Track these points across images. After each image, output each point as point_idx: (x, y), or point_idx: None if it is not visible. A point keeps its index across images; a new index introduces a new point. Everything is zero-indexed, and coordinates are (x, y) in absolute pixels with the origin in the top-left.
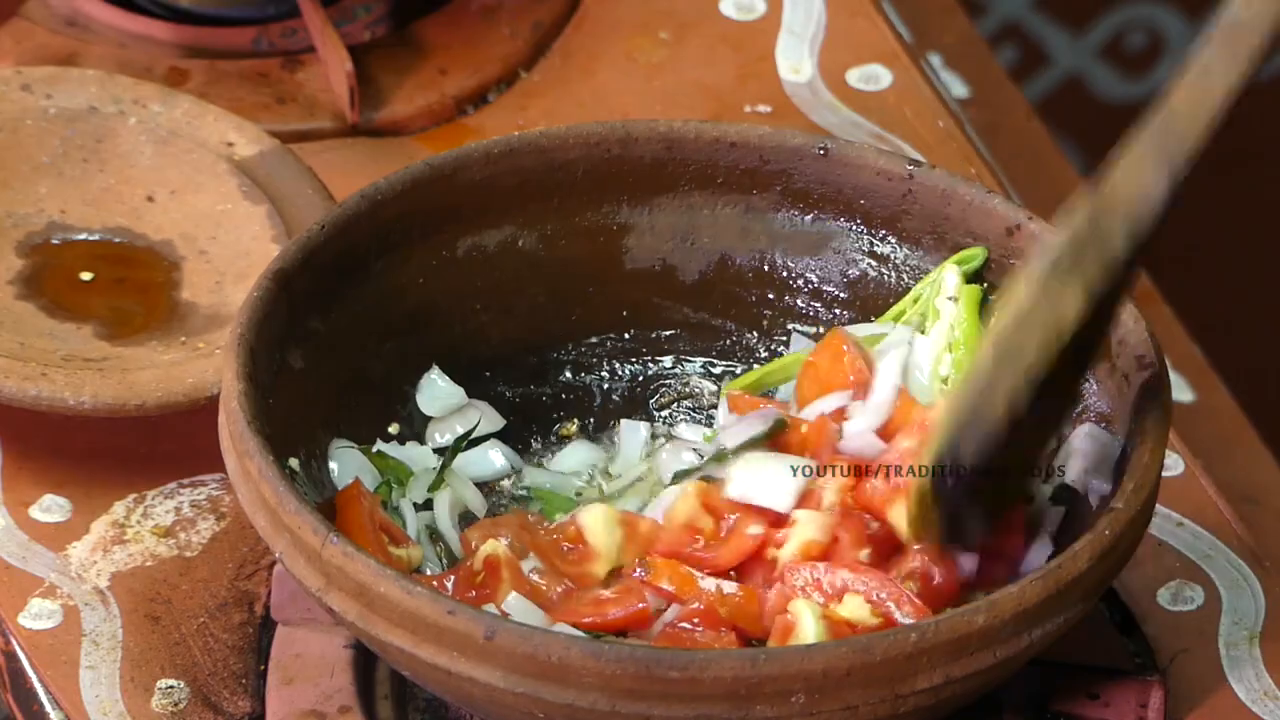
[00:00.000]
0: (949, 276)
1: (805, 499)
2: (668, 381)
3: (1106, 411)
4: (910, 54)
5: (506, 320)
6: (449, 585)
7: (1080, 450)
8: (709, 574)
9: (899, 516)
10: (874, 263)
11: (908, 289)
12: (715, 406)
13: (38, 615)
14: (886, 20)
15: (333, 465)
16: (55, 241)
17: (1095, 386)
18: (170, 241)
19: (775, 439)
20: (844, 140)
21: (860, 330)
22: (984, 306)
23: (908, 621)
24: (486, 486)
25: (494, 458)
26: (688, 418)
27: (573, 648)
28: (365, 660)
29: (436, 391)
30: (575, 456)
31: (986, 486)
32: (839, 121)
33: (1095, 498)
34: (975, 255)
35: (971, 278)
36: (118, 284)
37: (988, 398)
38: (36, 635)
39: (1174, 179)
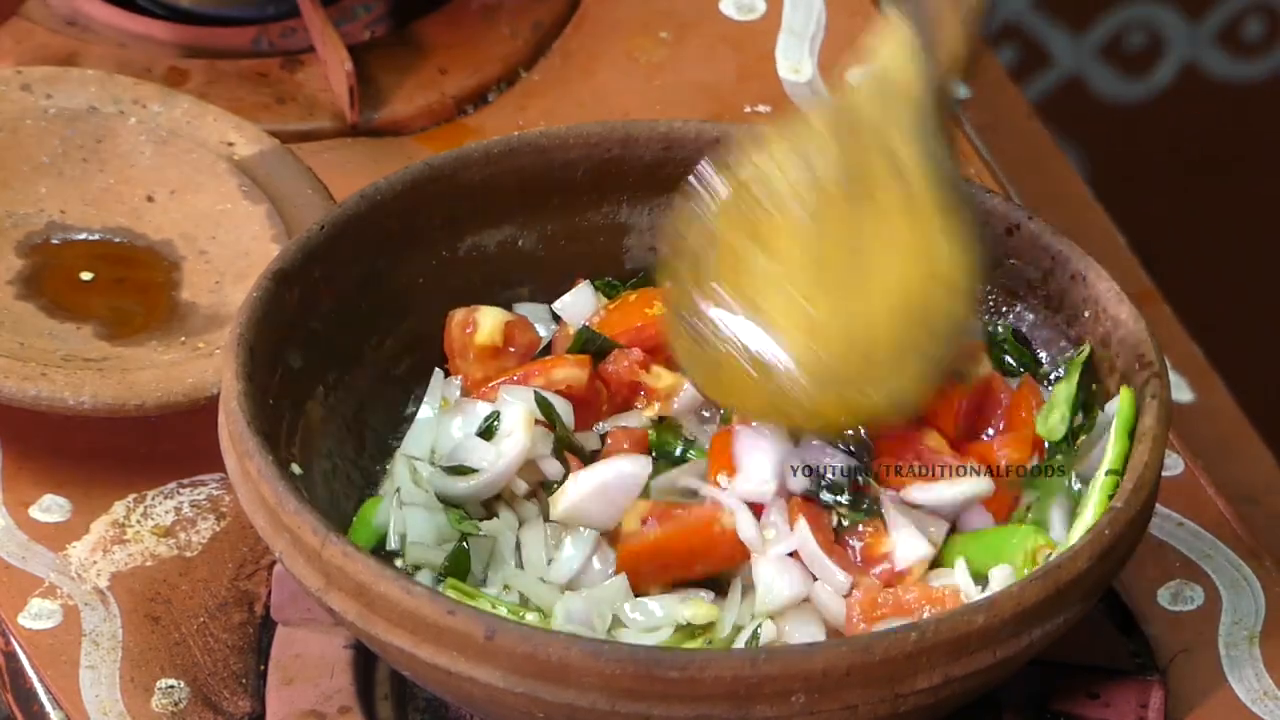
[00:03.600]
0: None
1: None
2: None
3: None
4: None
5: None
6: None
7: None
8: None
9: None
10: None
11: None
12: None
13: (38, 615)
14: None
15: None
16: (55, 241)
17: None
18: (170, 241)
19: None
20: None
21: None
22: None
23: None
24: None
25: None
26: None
27: (573, 647)
28: (365, 660)
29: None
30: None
31: None
32: None
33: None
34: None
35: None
36: (118, 284)
37: (951, 349)
38: (36, 635)
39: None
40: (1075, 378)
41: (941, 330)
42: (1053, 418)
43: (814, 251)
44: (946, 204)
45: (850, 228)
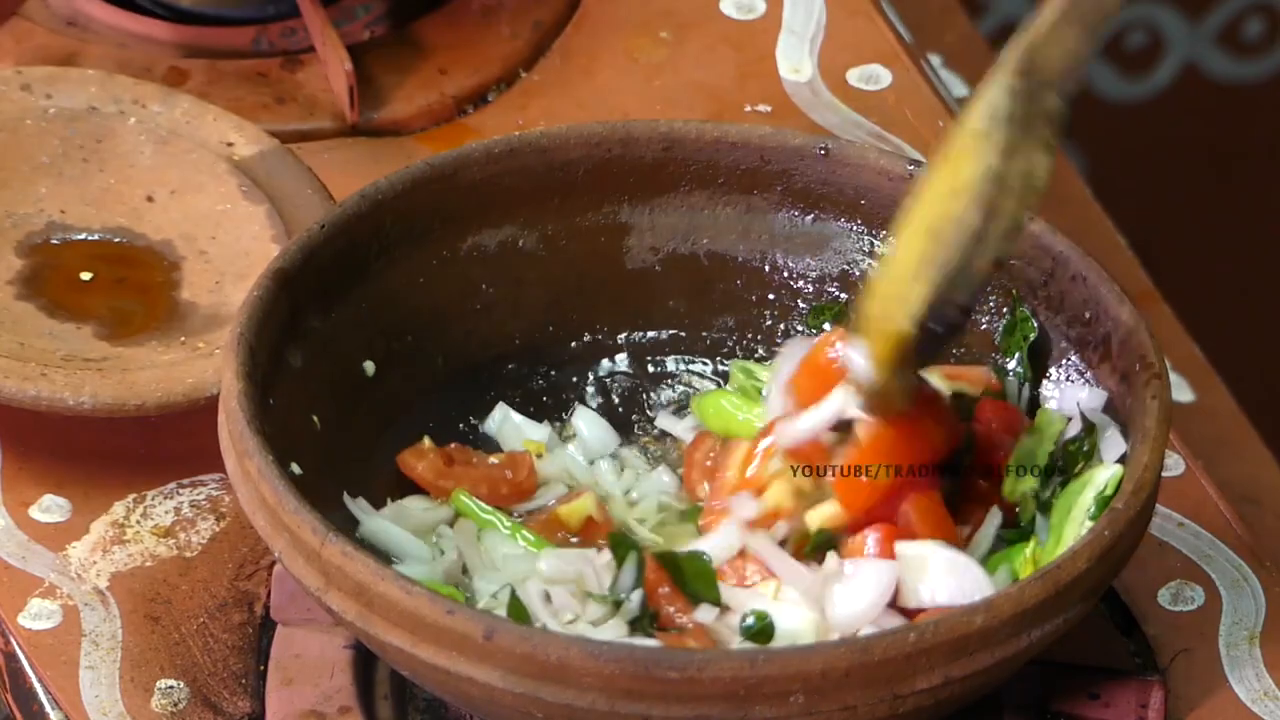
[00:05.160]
0: None
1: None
2: (668, 382)
3: (1106, 411)
4: (910, 54)
5: (506, 320)
6: None
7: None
8: None
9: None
10: (875, 263)
11: None
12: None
13: (37, 615)
14: (886, 20)
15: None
16: (55, 241)
17: (1096, 386)
18: (170, 241)
19: None
20: (844, 140)
21: None
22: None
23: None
24: None
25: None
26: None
27: (572, 648)
28: (365, 660)
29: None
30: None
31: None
32: (839, 121)
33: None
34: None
35: None
36: (118, 284)
37: (977, 250)
38: (36, 635)
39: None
40: (1045, 452)
41: (950, 236)
42: (1021, 489)
43: (922, 205)
44: (989, 130)
45: (938, 179)
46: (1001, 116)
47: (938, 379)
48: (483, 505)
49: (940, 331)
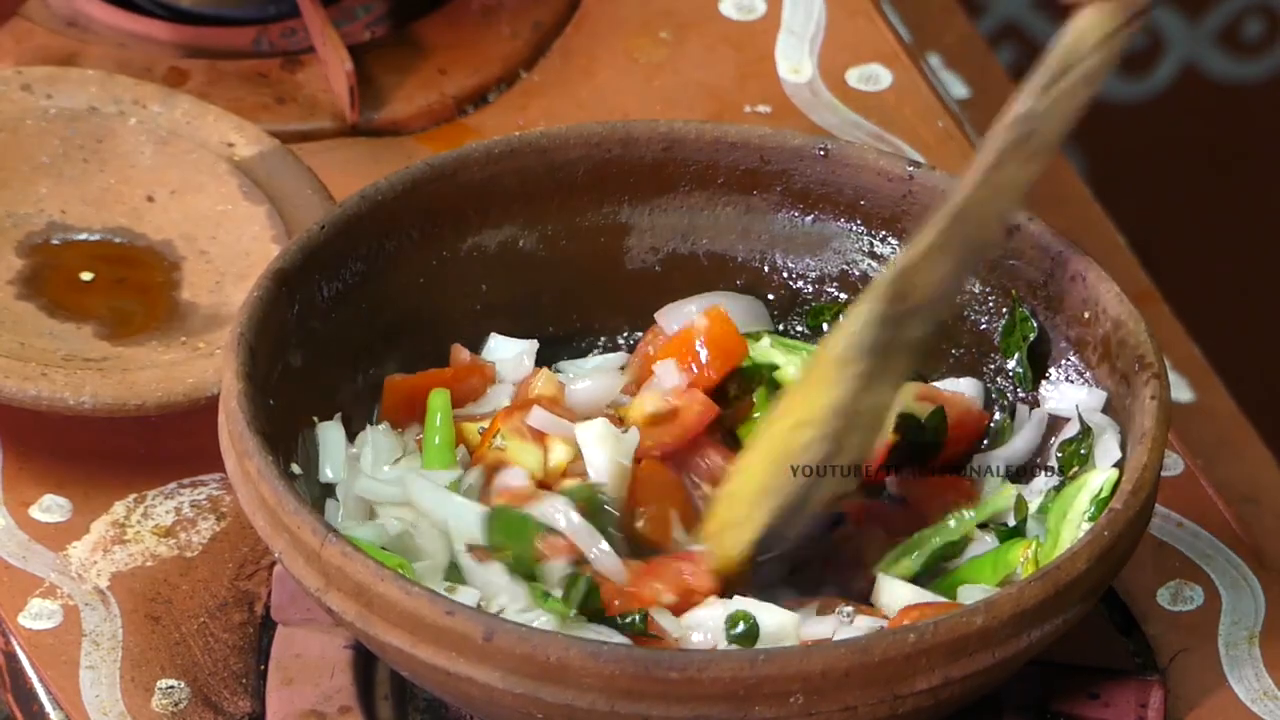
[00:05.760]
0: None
1: None
2: None
3: (1106, 411)
4: (910, 54)
5: (506, 321)
6: None
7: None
8: None
9: None
10: (874, 263)
11: None
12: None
13: (38, 615)
14: (886, 20)
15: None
16: (55, 241)
17: (1095, 386)
18: (170, 241)
19: None
20: (844, 140)
21: None
22: None
23: None
24: None
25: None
26: None
27: (571, 648)
28: (365, 660)
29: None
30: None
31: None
32: (839, 121)
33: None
34: None
35: None
36: (118, 284)
37: (816, 487)
38: (36, 635)
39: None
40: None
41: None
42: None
43: (772, 430)
44: (848, 359)
45: (792, 406)
46: (866, 345)
47: (910, 396)
48: (447, 407)
49: (771, 556)
